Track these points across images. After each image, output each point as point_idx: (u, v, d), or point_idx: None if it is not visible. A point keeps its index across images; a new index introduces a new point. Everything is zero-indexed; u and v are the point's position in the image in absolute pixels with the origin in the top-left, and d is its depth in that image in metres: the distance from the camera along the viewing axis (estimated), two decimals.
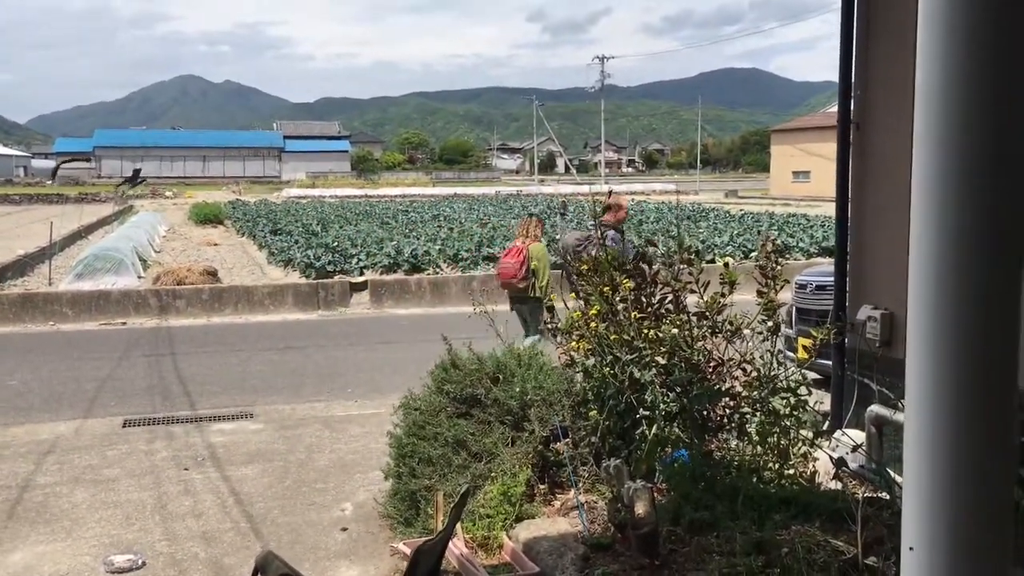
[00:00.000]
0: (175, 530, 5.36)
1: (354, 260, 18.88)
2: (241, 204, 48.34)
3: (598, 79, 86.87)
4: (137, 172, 40.96)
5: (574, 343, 5.11)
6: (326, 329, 13.37)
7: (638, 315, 4.92)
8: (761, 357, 4.84)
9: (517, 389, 5.12)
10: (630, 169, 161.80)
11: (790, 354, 7.17)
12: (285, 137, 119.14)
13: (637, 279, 5.13)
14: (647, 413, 4.80)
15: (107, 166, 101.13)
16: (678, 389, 4.74)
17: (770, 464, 4.71)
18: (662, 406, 4.74)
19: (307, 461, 6.70)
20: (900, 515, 1.81)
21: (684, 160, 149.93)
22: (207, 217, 36.07)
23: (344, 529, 5.35)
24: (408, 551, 4.00)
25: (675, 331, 4.77)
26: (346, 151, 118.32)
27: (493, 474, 4.79)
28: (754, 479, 4.53)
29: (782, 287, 4.87)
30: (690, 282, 4.99)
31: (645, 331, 4.81)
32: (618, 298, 5.02)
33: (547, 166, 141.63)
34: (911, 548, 1.79)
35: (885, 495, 4.39)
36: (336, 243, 22.44)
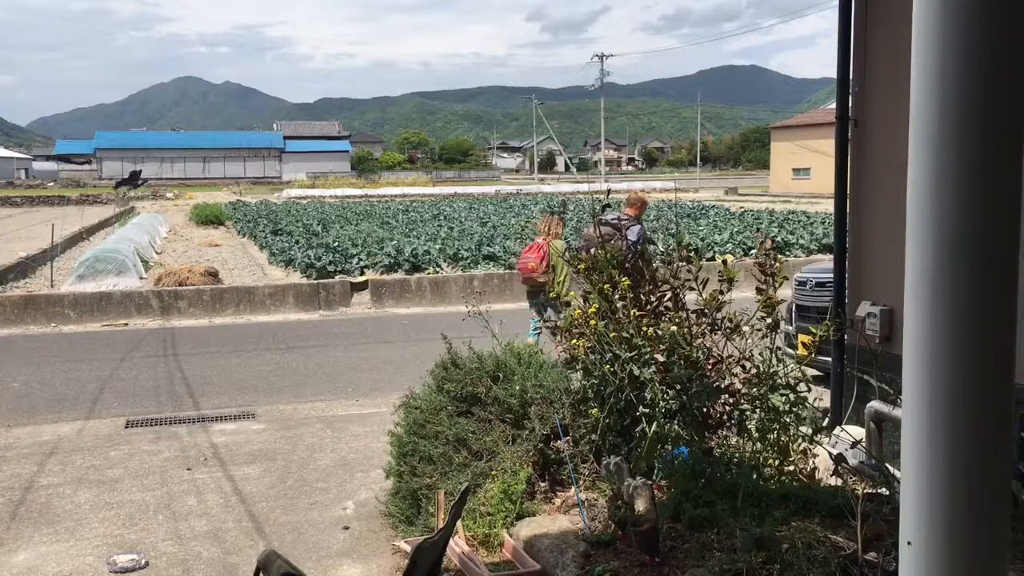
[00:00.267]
0: (178, 530, 5.38)
1: (355, 260, 18.90)
2: (242, 205, 48.37)
3: (597, 77, 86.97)
4: (137, 174, 40.78)
5: (574, 341, 5.12)
6: (327, 329, 13.39)
7: (637, 313, 4.94)
8: (760, 354, 4.86)
9: (517, 387, 5.14)
10: (630, 167, 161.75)
11: (790, 351, 7.19)
12: (285, 138, 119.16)
13: (636, 277, 5.15)
14: (647, 410, 4.81)
15: (108, 168, 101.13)
16: (678, 386, 4.75)
17: (770, 461, 4.72)
18: (662, 403, 4.75)
19: (309, 460, 6.72)
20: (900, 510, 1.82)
21: (684, 158, 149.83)
22: (208, 218, 36.07)
23: (346, 528, 5.37)
24: (409, 549, 4.01)
25: (674, 329, 4.78)
26: (346, 151, 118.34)
27: (494, 472, 4.81)
28: (754, 476, 4.54)
29: (781, 284, 4.88)
30: (689, 280, 5.01)
31: (644, 329, 4.82)
32: (617, 296, 5.03)
33: (547, 165, 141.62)
34: (909, 543, 1.81)
35: (885, 491, 4.40)
36: (337, 243, 22.46)
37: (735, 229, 24.35)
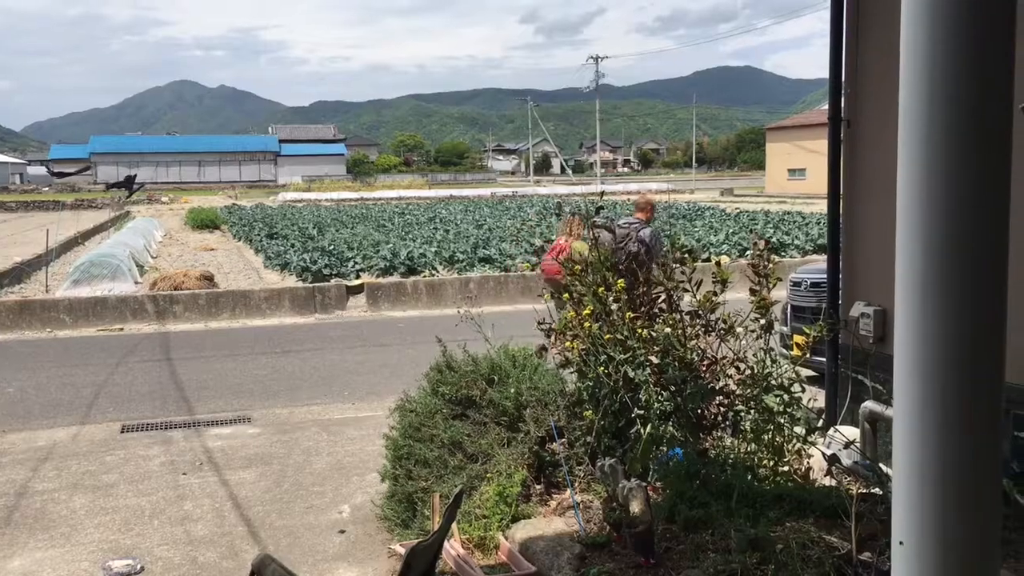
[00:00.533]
0: (173, 535, 5.38)
1: (350, 263, 18.89)
2: (237, 209, 48.34)
3: (592, 79, 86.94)
4: (132, 179, 40.74)
5: (568, 343, 5.13)
6: (323, 332, 13.38)
7: (632, 315, 4.94)
8: (755, 355, 4.87)
9: (512, 390, 5.14)
10: (626, 169, 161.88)
11: (786, 351, 7.20)
12: (280, 141, 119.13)
13: (630, 279, 5.16)
14: (641, 412, 4.82)
15: (103, 172, 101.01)
16: (672, 388, 4.76)
17: (764, 461, 4.73)
18: (656, 405, 4.76)
19: (305, 464, 6.72)
20: None
21: (680, 159, 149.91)
22: (203, 222, 36.05)
23: (342, 531, 5.37)
24: (404, 552, 4.01)
25: (668, 330, 4.79)
26: (342, 154, 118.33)
27: (489, 475, 4.81)
28: (748, 476, 4.55)
29: (775, 285, 4.90)
30: (683, 281, 5.02)
31: (639, 330, 4.83)
32: (611, 298, 5.04)
33: (543, 167, 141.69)
34: (901, 542, 1.81)
35: (879, 491, 4.41)
36: (332, 246, 22.45)
37: (731, 230, 24.38)
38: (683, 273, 4.99)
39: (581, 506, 4.62)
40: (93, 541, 5.31)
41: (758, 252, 4.96)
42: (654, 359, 4.82)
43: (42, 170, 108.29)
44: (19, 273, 18.87)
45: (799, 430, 4.79)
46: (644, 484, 4.10)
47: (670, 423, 4.80)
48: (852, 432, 5.28)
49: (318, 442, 7.29)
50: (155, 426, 7.96)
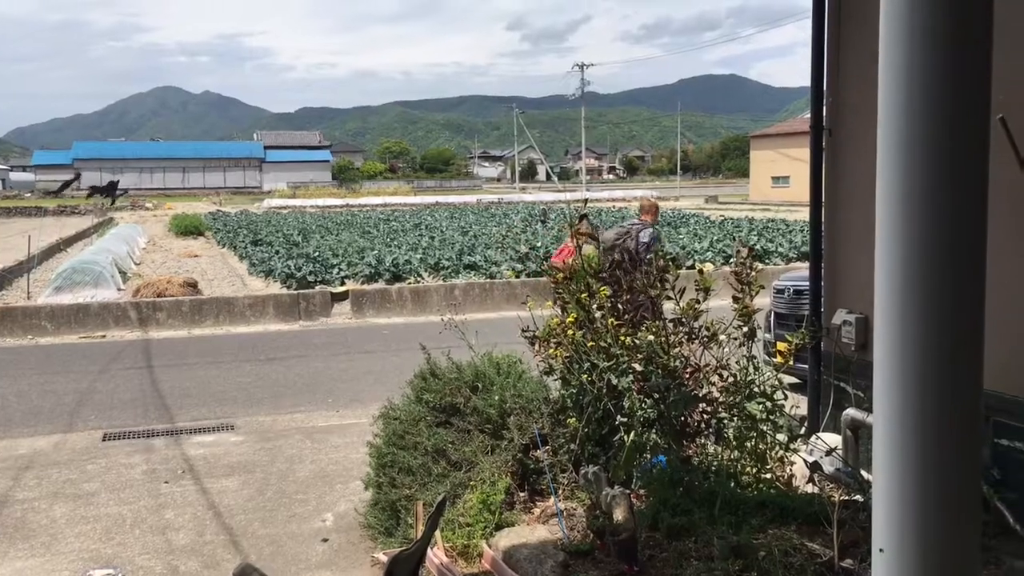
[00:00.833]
0: (155, 544, 5.34)
1: (335, 270, 18.85)
2: (221, 215, 48.16)
3: (578, 87, 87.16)
4: (114, 184, 40.44)
5: (551, 351, 5.13)
6: (307, 339, 13.33)
7: (615, 322, 4.95)
8: (737, 362, 4.88)
9: (496, 397, 5.14)
10: (611, 176, 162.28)
11: (768, 358, 7.22)
12: (265, 147, 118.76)
13: (615, 286, 5.16)
14: (625, 420, 4.83)
15: (87, 179, 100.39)
16: (655, 395, 4.77)
17: (747, 468, 4.75)
18: (639, 412, 4.77)
19: (288, 472, 6.69)
20: None
21: (665, 166, 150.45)
22: (187, 229, 35.90)
23: (325, 540, 5.35)
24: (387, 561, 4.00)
25: (652, 338, 4.80)
26: (327, 161, 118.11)
27: (473, 483, 4.80)
28: (731, 484, 4.56)
29: (757, 292, 4.91)
30: (666, 288, 5.03)
31: (622, 338, 4.84)
32: (595, 305, 5.05)
33: (528, 174, 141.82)
34: (881, 550, 1.82)
35: (860, 498, 4.43)
36: (317, 253, 22.40)
37: (715, 237, 24.48)
38: (666, 280, 5.00)
39: (565, 514, 4.61)
40: (74, 550, 5.27)
41: (741, 259, 4.98)
42: (637, 366, 4.83)
43: (24, 176, 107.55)
44: (0, 280, 18.73)
45: (782, 437, 4.81)
46: (627, 491, 4.10)
47: (653, 430, 4.81)
48: (834, 439, 5.30)
49: (302, 450, 7.26)
50: (137, 434, 7.91)
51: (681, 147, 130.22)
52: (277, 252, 23.35)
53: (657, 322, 4.94)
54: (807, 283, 6.75)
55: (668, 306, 5.10)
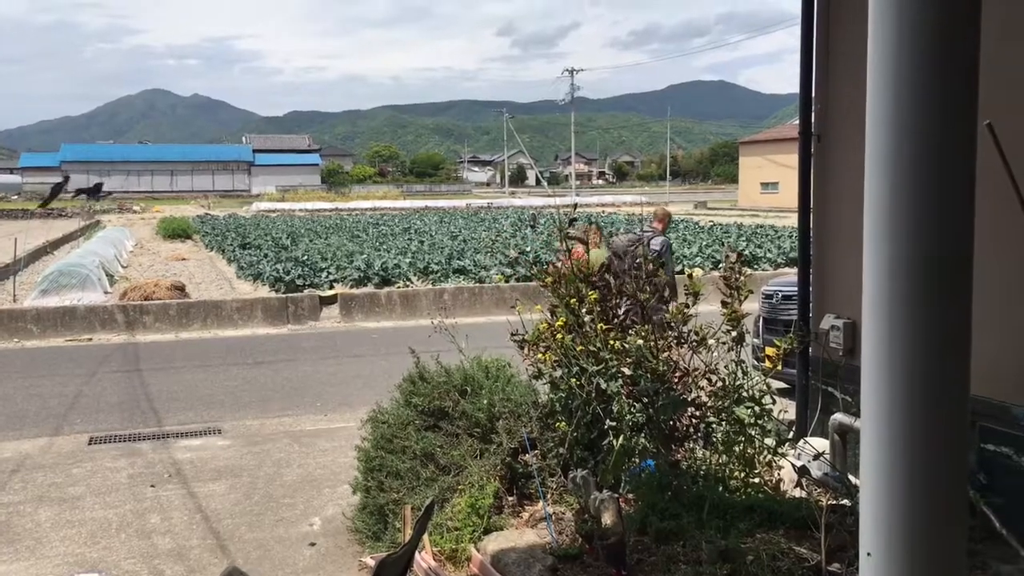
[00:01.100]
0: (141, 548, 5.31)
1: (324, 274, 18.81)
2: (210, 218, 48.03)
3: (568, 92, 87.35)
4: (99, 186, 40.27)
5: (540, 355, 5.13)
6: (296, 343, 13.29)
7: (604, 326, 4.95)
8: (726, 367, 4.89)
9: (485, 401, 5.13)
10: (600, 181, 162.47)
11: (757, 363, 7.24)
12: (254, 151, 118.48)
13: (604, 291, 5.16)
14: (614, 424, 4.82)
15: (74, 181, 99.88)
16: (644, 400, 4.77)
17: (736, 473, 4.75)
18: (628, 417, 4.76)
19: (275, 476, 6.66)
20: None
21: (654, 172, 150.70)
22: (175, 232, 35.77)
23: (312, 544, 5.33)
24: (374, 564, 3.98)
25: (641, 342, 4.80)
26: (316, 164, 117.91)
27: (461, 486, 4.79)
28: (720, 488, 4.56)
29: (746, 297, 4.93)
30: (656, 293, 5.03)
31: (611, 342, 4.84)
32: (584, 309, 5.05)
33: (518, 178, 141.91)
34: (869, 553, 1.83)
35: (848, 502, 4.44)
36: (306, 257, 22.35)
37: (704, 243, 24.54)
38: (655, 285, 5.01)
39: (553, 518, 4.61)
40: (59, 554, 5.23)
41: (730, 264, 4.99)
42: (626, 371, 4.82)
43: (11, 178, 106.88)
44: None
45: (770, 442, 4.81)
46: (616, 496, 4.10)
47: (642, 435, 4.81)
48: (822, 444, 5.31)
49: (289, 454, 7.24)
50: (123, 438, 7.87)
51: (670, 153, 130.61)
52: (265, 256, 23.30)
53: (646, 326, 4.94)
54: (795, 288, 6.77)
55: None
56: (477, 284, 17.35)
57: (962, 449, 1.83)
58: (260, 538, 5.45)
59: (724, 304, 4.90)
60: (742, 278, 4.91)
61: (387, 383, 6.04)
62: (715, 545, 3.85)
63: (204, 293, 17.42)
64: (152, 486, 6.46)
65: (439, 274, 19.07)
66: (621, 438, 4.73)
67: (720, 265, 19.66)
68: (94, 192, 38.76)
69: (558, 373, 5.07)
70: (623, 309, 5.21)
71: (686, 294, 4.93)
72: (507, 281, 17.44)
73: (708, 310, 5.13)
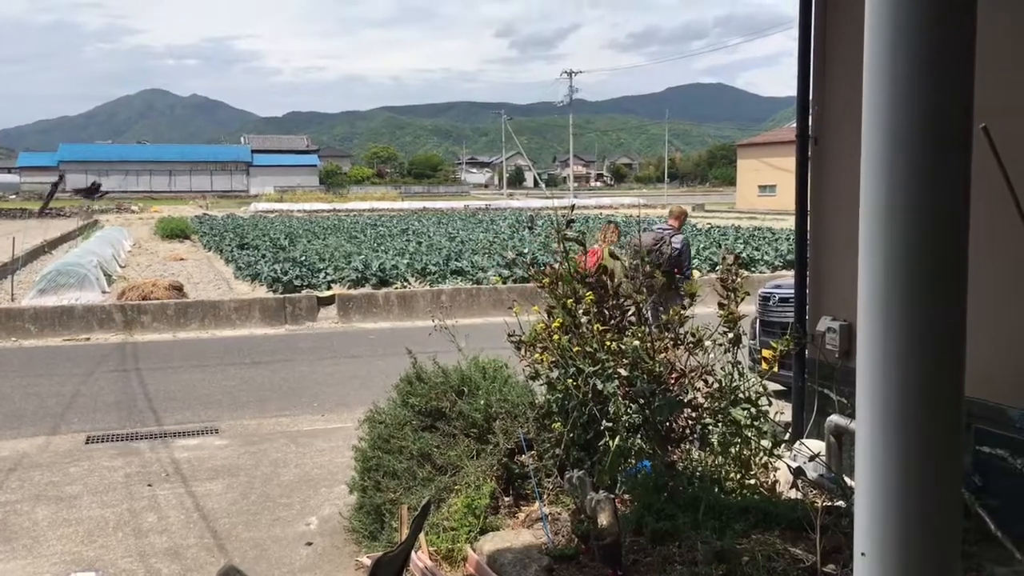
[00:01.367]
0: (138, 547, 5.32)
1: (322, 274, 18.80)
2: (208, 219, 48.02)
3: (566, 94, 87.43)
4: (97, 186, 40.43)
5: (537, 355, 5.14)
6: (293, 343, 13.30)
7: (601, 327, 4.96)
8: (723, 368, 4.90)
9: (482, 402, 5.14)
10: (599, 183, 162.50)
11: (754, 365, 7.26)
12: (253, 151, 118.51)
13: (600, 292, 5.18)
14: (610, 424, 4.84)
15: (72, 181, 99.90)
16: (640, 400, 4.78)
17: (731, 474, 4.77)
18: (625, 417, 4.78)
19: (273, 476, 6.67)
20: None
21: (652, 174, 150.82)
22: (173, 232, 35.77)
23: (309, 544, 5.33)
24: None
25: (637, 343, 4.81)
26: (315, 165, 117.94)
27: (458, 487, 4.81)
28: (715, 489, 4.58)
29: (743, 299, 4.94)
30: (653, 295, 5.05)
31: (608, 343, 4.85)
32: (581, 310, 5.06)
33: (516, 180, 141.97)
34: (863, 554, 1.83)
35: (843, 503, 4.45)
36: (304, 257, 22.35)
37: (701, 245, 24.56)
38: (652, 286, 5.02)
39: (549, 518, 4.62)
40: (56, 553, 5.24)
41: (727, 266, 5.00)
42: (623, 371, 4.84)
43: (9, 178, 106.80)
44: None
45: (766, 443, 4.83)
46: (612, 496, 4.11)
47: (638, 436, 4.82)
48: (818, 445, 5.32)
49: (286, 454, 7.24)
50: (121, 437, 7.87)
51: (668, 155, 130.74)
52: (263, 256, 23.29)
53: (643, 327, 4.95)
54: (792, 290, 6.79)
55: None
56: (475, 285, 17.36)
57: (957, 451, 1.84)
58: (257, 537, 5.45)
59: (721, 306, 4.91)
60: (739, 280, 4.93)
61: (384, 383, 6.05)
62: (711, 546, 3.86)
63: (202, 293, 17.41)
64: (149, 485, 6.46)
65: (437, 275, 19.08)
66: (617, 439, 4.74)
67: (717, 267, 19.67)
68: (91, 192, 38.81)
69: (555, 374, 5.08)
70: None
71: (683, 295, 4.95)
72: (504, 282, 17.46)
73: (705, 312, 5.15)
